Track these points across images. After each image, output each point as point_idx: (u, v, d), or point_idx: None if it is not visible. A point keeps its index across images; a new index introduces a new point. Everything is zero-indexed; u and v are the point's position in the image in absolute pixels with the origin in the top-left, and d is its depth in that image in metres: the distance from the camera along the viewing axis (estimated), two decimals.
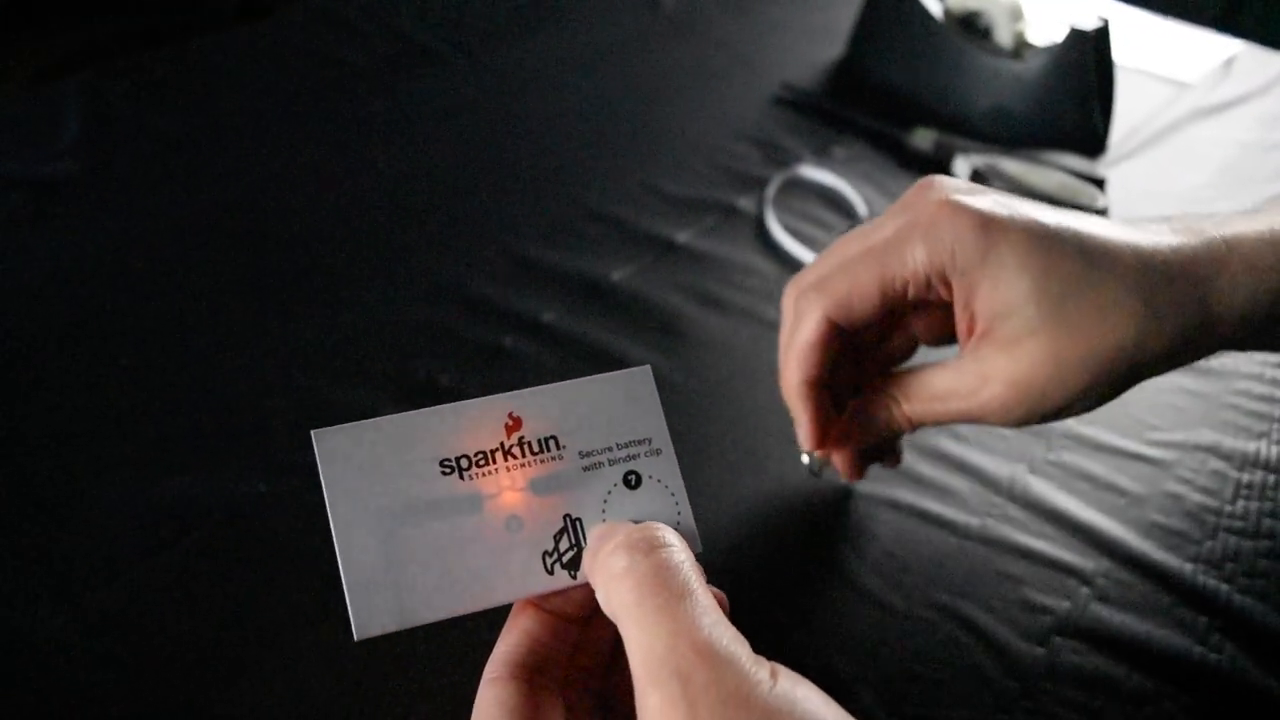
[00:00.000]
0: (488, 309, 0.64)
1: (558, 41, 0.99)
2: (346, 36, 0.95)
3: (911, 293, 0.41)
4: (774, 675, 0.25)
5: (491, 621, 0.33)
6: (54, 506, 0.49)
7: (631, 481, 0.33)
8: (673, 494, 0.33)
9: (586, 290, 0.66)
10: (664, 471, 0.34)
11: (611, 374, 0.34)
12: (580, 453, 0.33)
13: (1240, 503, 0.54)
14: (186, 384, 0.57)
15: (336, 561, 0.30)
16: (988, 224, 0.38)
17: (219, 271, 0.66)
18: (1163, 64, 1.02)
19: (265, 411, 0.55)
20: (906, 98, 0.91)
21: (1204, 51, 1.05)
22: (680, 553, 0.28)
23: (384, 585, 0.30)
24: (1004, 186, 0.77)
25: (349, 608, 0.29)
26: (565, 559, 0.32)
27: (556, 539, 0.32)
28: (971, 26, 0.90)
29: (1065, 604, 0.48)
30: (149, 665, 0.43)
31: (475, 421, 0.32)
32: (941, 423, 0.43)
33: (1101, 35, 0.85)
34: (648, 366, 0.34)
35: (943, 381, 0.42)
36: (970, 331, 0.40)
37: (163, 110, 0.83)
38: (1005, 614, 0.47)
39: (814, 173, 0.80)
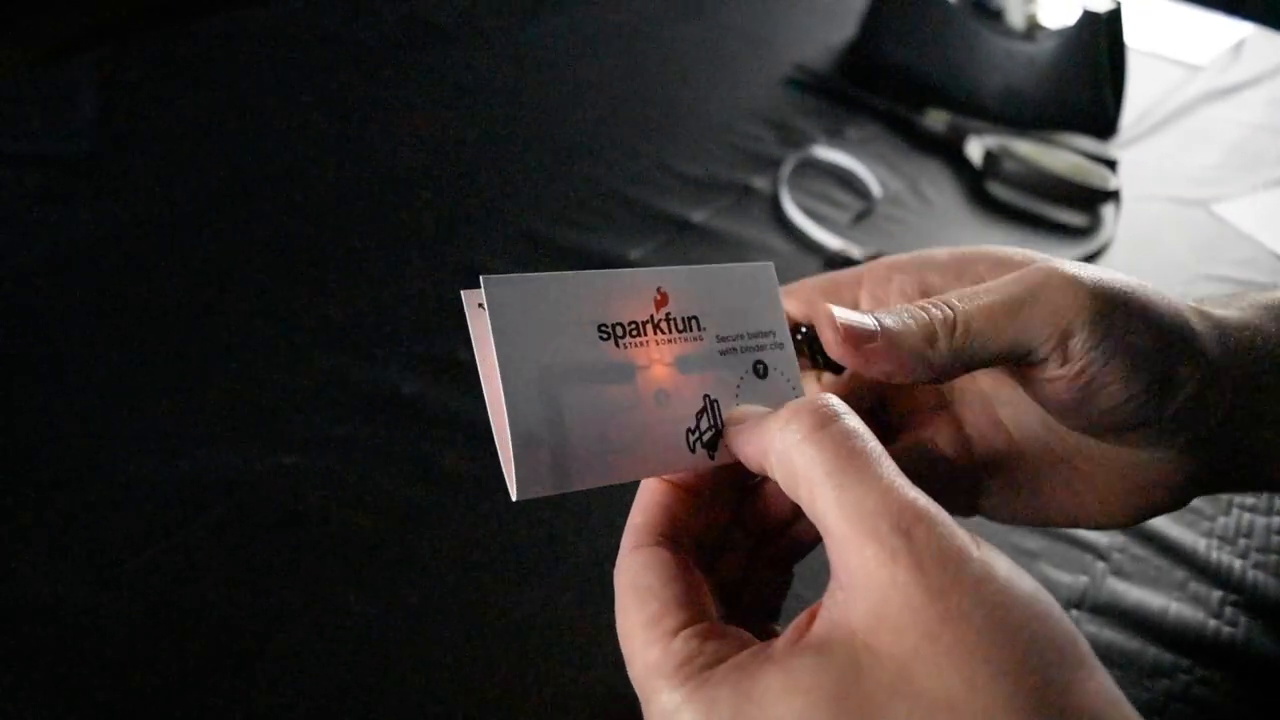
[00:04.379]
0: None
1: (570, 21, 0.99)
2: (359, 15, 0.95)
3: None
4: (974, 540, 0.26)
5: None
6: (80, 480, 0.50)
7: (760, 371, 0.33)
8: (794, 388, 0.34)
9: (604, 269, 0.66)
10: (785, 365, 0.34)
11: (741, 264, 0.34)
12: (718, 336, 0.32)
13: None
14: (208, 359, 0.57)
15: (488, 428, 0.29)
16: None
17: (236, 249, 0.66)
18: (1174, 47, 1.02)
19: (286, 386, 0.56)
20: (919, 79, 0.91)
21: (1214, 34, 1.05)
22: (858, 420, 0.28)
23: (544, 445, 0.29)
24: (1017, 168, 0.77)
25: (513, 465, 0.28)
26: (705, 438, 0.31)
27: (698, 418, 0.31)
28: (984, 8, 0.91)
29: (1082, 579, 0.48)
30: (176, 635, 0.43)
31: (627, 291, 0.31)
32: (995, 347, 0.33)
33: (1113, 17, 0.85)
34: (770, 263, 0.34)
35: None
36: None
37: (178, 88, 0.83)
38: None
39: (828, 153, 0.80)
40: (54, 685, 0.41)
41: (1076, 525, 0.39)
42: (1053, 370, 0.34)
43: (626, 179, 0.76)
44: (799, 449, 0.27)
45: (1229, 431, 0.36)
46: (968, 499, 0.39)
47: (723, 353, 0.32)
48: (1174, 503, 0.38)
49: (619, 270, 0.31)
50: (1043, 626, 0.24)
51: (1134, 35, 0.93)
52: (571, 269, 0.68)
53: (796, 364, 0.34)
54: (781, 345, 0.34)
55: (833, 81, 0.91)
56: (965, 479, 0.39)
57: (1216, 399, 0.36)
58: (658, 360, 0.31)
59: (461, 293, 0.30)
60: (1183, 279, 0.70)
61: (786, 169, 0.78)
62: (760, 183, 0.77)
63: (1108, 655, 0.45)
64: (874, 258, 0.69)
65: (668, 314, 0.32)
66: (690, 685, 0.26)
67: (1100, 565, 0.49)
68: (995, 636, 0.24)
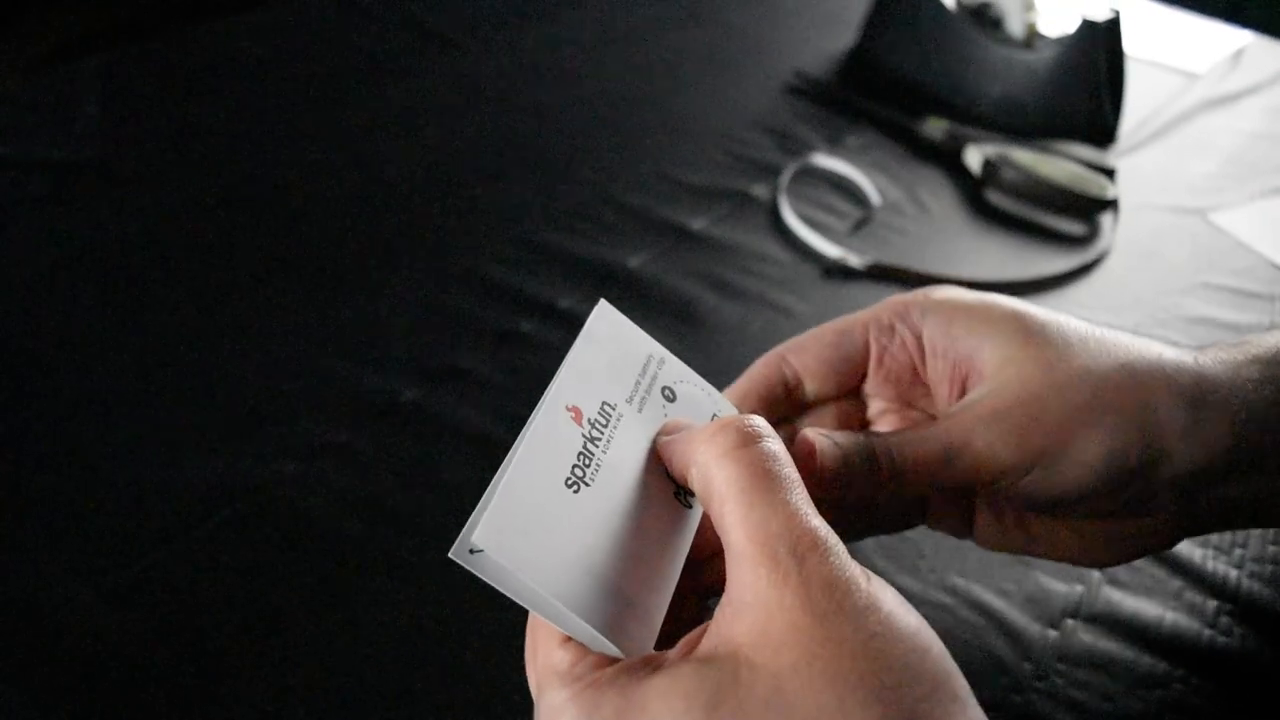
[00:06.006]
0: (505, 294, 0.64)
1: (571, 28, 0.99)
2: (361, 23, 0.96)
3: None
4: (865, 574, 0.27)
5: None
6: (82, 485, 0.50)
7: (669, 396, 0.33)
8: (700, 388, 0.34)
9: (603, 276, 0.67)
10: (680, 374, 0.34)
11: (587, 323, 0.33)
12: (626, 400, 0.33)
13: None
14: (209, 366, 0.58)
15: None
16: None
17: (238, 255, 0.66)
18: (1173, 55, 1.02)
19: (288, 393, 0.56)
20: (918, 87, 0.91)
21: (1213, 42, 1.06)
22: (780, 444, 0.29)
23: (613, 607, 0.28)
24: (1015, 176, 0.77)
25: (610, 646, 0.28)
26: (685, 494, 0.32)
27: (671, 479, 0.32)
28: (983, 16, 0.91)
29: (1078, 588, 0.49)
30: (176, 641, 0.43)
31: (554, 433, 0.30)
32: (929, 465, 0.36)
33: (1113, 26, 0.85)
34: (602, 299, 0.34)
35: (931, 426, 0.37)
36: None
37: (181, 94, 0.83)
38: (1018, 597, 0.48)
39: (827, 161, 0.80)
40: (53, 691, 0.41)
41: (1061, 561, 0.41)
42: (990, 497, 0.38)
43: (625, 186, 0.76)
44: (718, 463, 0.29)
45: (1211, 486, 0.37)
46: (957, 523, 0.41)
47: (640, 409, 0.33)
48: (1160, 546, 0.40)
49: (534, 417, 0.30)
50: (920, 660, 0.25)
51: (1133, 43, 0.93)
52: (571, 272, 0.68)
53: (686, 365, 0.35)
54: (663, 360, 0.34)
55: (832, 89, 0.91)
56: (955, 505, 0.41)
57: (1187, 481, 0.36)
58: (620, 463, 0.31)
59: (450, 556, 0.28)
60: (1180, 288, 0.71)
61: (786, 176, 0.78)
62: (759, 190, 0.77)
63: (1102, 664, 0.45)
64: (872, 266, 0.69)
65: (589, 420, 0.31)
66: (578, 685, 0.27)
67: (1096, 574, 0.49)
68: (871, 663, 0.25)
